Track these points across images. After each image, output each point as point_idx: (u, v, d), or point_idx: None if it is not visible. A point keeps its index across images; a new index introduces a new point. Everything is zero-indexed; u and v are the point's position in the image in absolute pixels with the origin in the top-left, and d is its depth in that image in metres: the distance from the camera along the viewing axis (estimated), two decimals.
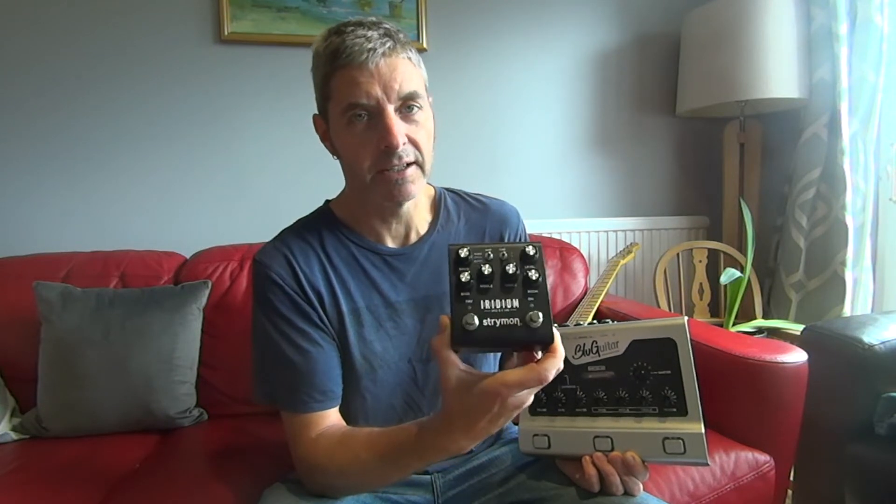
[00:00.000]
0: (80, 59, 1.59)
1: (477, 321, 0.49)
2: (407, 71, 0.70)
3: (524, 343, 0.51)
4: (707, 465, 0.62)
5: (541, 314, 0.49)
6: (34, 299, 1.25)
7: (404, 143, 0.69)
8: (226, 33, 1.66)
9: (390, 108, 0.68)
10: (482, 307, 0.50)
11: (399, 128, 0.68)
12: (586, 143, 1.99)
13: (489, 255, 0.52)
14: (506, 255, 0.52)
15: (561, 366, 0.52)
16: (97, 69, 1.61)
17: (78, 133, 1.61)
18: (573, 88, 1.96)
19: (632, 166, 2.03)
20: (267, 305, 0.74)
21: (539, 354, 0.53)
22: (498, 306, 0.50)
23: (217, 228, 1.67)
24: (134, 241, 1.56)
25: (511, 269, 0.51)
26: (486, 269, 0.51)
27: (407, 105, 0.70)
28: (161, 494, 0.95)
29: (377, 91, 0.67)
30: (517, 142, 1.93)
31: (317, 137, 0.79)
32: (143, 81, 1.64)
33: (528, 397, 0.54)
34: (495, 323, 0.50)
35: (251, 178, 1.73)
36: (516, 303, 0.50)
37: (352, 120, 0.69)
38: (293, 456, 0.73)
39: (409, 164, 0.71)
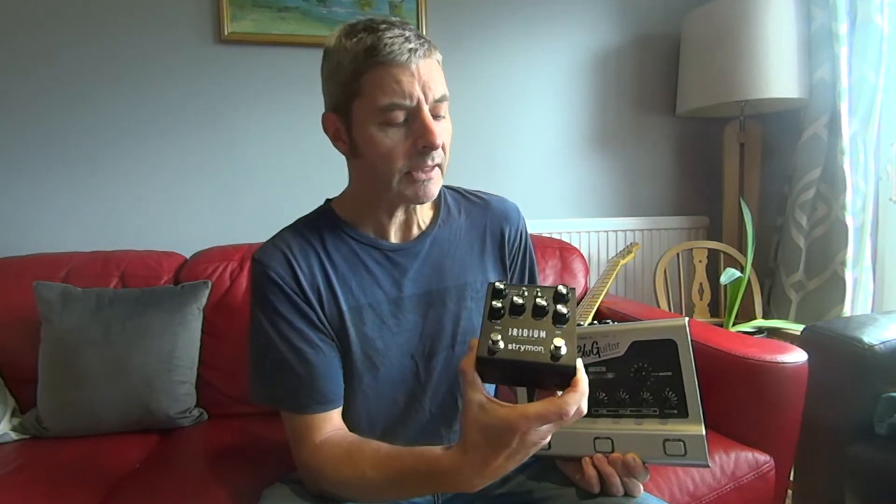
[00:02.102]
0: (80, 59, 1.59)
1: (503, 344, 0.51)
2: (439, 74, 0.71)
3: (546, 372, 0.51)
4: (708, 466, 0.62)
5: (565, 345, 0.50)
6: (34, 299, 1.25)
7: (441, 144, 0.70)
8: (226, 33, 1.66)
9: (427, 109, 0.68)
10: (510, 333, 0.52)
11: (436, 128, 0.68)
12: (586, 143, 1.99)
13: (524, 291, 0.55)
14: (539, 293, 0.55)
15: (584, 405, 0.51)
16: (97, 69, 1.61)
17: (78, 133, 1.61)
18: (573, 88, 1.96)
19: (632, 166, 2.03)
20: (266, 305, 0.74)
21: (559, 394, 0.52)
22: (525, 334, 0.52)
23: (217, 228, 1.67)
24: (134, 241, 1.56)
25: (542, 302, 0.53)
26: (519, 301, 0.53)
27: (438, 109, 0.70)
28: (161, 494, 0.95)
29: (417, 91, 0.67)
30: (517, 141, 1.93)
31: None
32: (143, 81, 1.64)
33: (547, 435, 0.53)
34: (520, 348, 0.51)
35: (251, 177, 1.73)
36: (543, 333, 0.51)
37: (388, 120, 0.68)
38: (295, 457, 0.73)
39: (434, 167, 0.71)
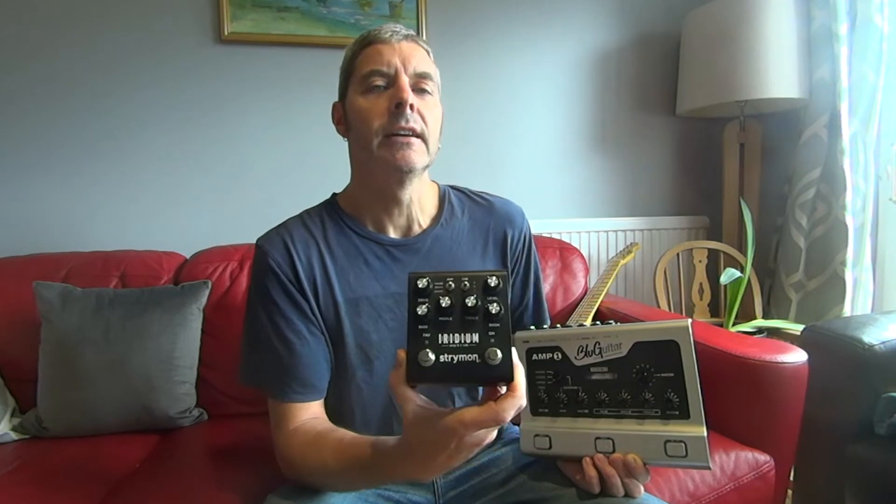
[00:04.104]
0: (79, 58, 1.59)
1: (433, 357, 0.47)
2: (423, 57, 0.77)
3: (482, 378, 0.49)
4: (709, 468, 0.62)
5: (500, 351, 0.47)
6: (34, 299, 1.25)
7: (413, 107, 0.73)
8: (226, 33, 1.66)
9: (405, 77, 0.74)
10: (439, 342, 0.48)
11: (410, 91, 0.73)
12: (586, 143, 1.99)
13: (450, 285, 0.50)
14: (467, 285, 0.50)
15: (522, 404, 0.50)
16: (97, 69, 1.60)
17: (77, 133, 1.60)
18: (573, 88, 1.96)
19: (632, 166, 2.03)
20: (262, 290, 0.77)
21: (503, 389, 0.50)
22: (456, 341, 0.48)
23: (217, 228, 1.67)
24: (134, 241, 1.56)
25: (471, 301, 0.49)
26: (445, 302, 0.49)
27: (420, 85, 0.76)
28: (161, 495, 0.95)
29: (396, 61, 0.74)
30: (517, 141, 1.93)
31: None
32: (143, 81, 1.63)
33: (487, 435, 0.53)
34: (452, 359, 0.48)
35: (251, 178, 1.72)
36: (476, 338, 0.48)
37: (369, 86, 0.75)
38: (273, 443, 0.75)
39: (414, 134, 0.74)
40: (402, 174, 0.75)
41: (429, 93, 0.77)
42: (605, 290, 1.48)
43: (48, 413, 1.20)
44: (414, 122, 0.73)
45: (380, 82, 0.74)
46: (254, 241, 0.82)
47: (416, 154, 0.74)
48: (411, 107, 0.73)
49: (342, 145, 0.84)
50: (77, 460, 1.10)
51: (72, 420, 1.21)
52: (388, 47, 0.75)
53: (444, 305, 0.49)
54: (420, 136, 0.75)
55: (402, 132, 0.73)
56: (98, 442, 1.18)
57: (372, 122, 0.74)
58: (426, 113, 0.75)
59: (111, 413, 1.21)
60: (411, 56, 0.75)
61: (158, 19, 1.63)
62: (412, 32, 0.78)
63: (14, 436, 1.21)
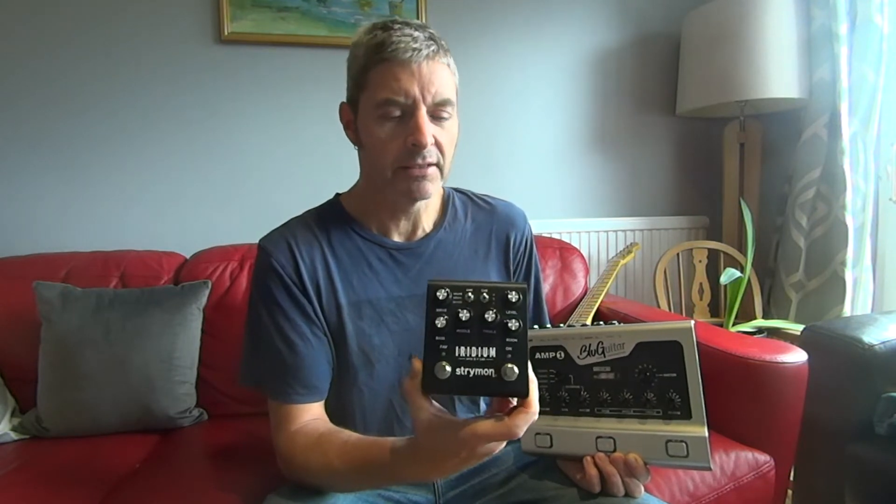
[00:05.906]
0: (80, 58, 1.59)
1: (449, 370, 0.48)
2: (445, 78, 0.72)
3: (497, 394, 0.50)
4: (710, 469, 0.62)
5: (516, 368, 0.47)
6: (34, 299, 1.25)
7: (431, 144, 0.71)
8: (226, 33, 1.65)
9: (423, 109, 0.70)
10: (456, 354, 0.48)
11: (428, 128, 0.70)
12: (586, 143, 1.99)
13: (469, 296, 0.50)
14: (486, 298, 0.50)
15: (535, 418, 0.50)
16: (96, 69, 1.60)
17: (78, 133, 1.60)
18: (573, 88, 1.96)
19: (632, 166, 2.03)
20: (264, 291, 0.76)
21: (514, 401, 0.51)
22: (473, 355, 0.48)
23: (217, 228, 1.67)
24: (134, 241, 1.56)
25: (490, 316, 0.49)
26: (465, 315, 0.49)
27: (439, 111, 0.72)
28: (161, 495, 0.95)
29: (415, 90, 0.69)
30: (517, 142, 1.93)
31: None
32: (143, 81, 1.63)
33: (498, 446, 0.53)
34: (469, 372, 0.48)
35: (251, 178, 1.72)
36: (493, 352, 0.48)
37: (384, 114, 0.71)
38: (274, 444, 0.74)
39: (429, 165, 0.72)
40: (414, 202, 0.76)
41: (448, 115, 0.73)
42: (605, 290, 1.48)
43: (48, 413, 1.20)
44: (430, 156, 0.71)
45: (396, 113, 0.70)
46: (254, 242, 0.81)
47: (431, 184, 0.74)
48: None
49: (342, 145, 0.83)
50: (77, 460, 1.10)
51: (72, 420, 1.20)
52: (407, 72, 0.68)
53: (462, 319, 0.49)
54: (436, 164, 0.73)
55: (418, 166, 0.72)
56: (98, 442, 1.18)
57: (386, 154, 0.72)
58: (443, 140, 0.73)
59: (111, 413, 1.21)
60: (431, 82, 0.69)
61: (158, 20, 1.63)
62: (433, 45, 0.70)
63: (14, 436, 1.21)
